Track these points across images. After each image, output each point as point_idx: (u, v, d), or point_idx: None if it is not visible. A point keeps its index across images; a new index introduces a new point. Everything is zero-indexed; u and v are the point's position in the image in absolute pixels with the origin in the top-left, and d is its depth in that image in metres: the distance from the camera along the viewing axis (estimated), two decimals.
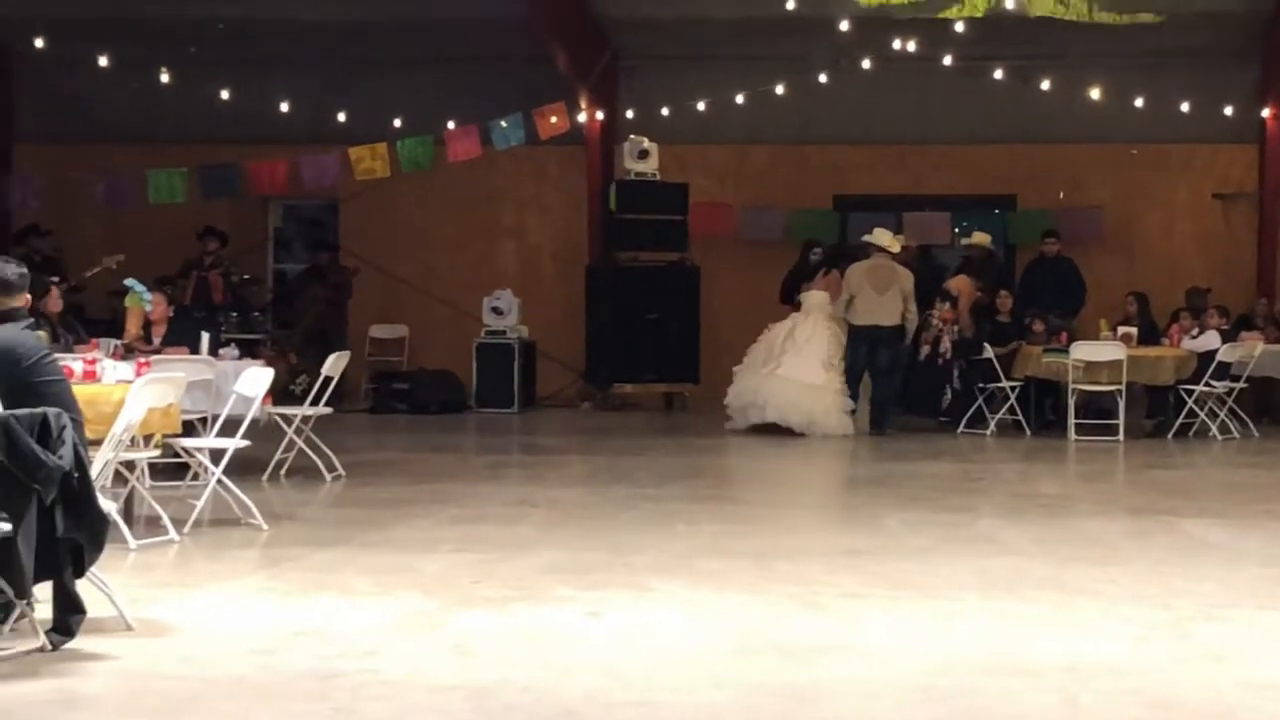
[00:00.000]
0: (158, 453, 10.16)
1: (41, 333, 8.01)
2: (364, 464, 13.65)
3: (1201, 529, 10.54)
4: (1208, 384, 16.68)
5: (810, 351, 16.74)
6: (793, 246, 19.33)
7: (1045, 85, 19.93)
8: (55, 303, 13.88)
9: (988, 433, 16.87)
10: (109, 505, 7.38)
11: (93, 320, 17.05)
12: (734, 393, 17.03)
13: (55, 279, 15.55)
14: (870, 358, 16.94)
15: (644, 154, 19.70)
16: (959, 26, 18.07)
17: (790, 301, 18.00)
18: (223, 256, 19.50)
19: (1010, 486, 13.21)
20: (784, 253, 19.32)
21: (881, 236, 17.31)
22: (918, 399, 17.57)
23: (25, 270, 7.25)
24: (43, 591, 6.71)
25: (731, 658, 6.75)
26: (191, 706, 5.95)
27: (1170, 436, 16.69)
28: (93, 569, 6.85)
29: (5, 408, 6.55)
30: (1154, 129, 20.25)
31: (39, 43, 19.02)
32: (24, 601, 6.56)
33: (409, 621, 7.37)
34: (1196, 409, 16.76)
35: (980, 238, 18.75)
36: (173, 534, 9.52)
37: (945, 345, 17.30)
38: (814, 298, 17.17)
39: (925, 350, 17.35)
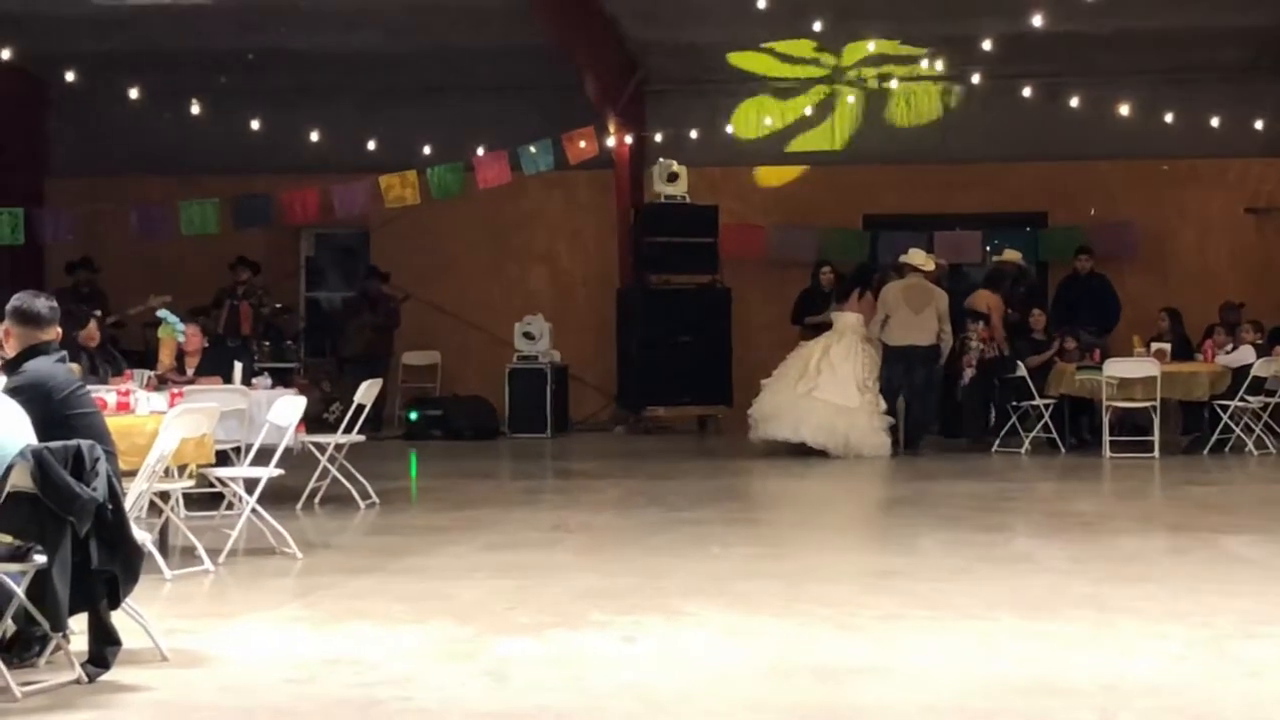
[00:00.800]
0: (192, 483, 10.20)
1: (75, 365, 8.05)
2: (398, 491, 13.66)
3: (1239, 545, 10.47)
4: (1243, 399, 16.60)
5: (846, 373, 16.68)
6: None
7: (1075, 102, 19.88)
8: (92, 335, 13.94)
9: (1022, 451, 16.81)
10: (144, 536, 7.40)
11: (127, 351, 17.13)
12: (759, 403, 16.94)
13: (98, 312, 15.64)
14: (906, 377, 16.91)
15: (673, 177, 19.71)
16: (986, 44, 18.07)
17: (799, 323, 18.09)
18: (255, 286, 19.57)
19: (1046, 505, 13.16)
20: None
21: (916, 256, 17.32)
22: (969, 420, 17.50)
23: (55, 304, 7.28)
24: (78, 623, 6.72)
25: (766, 680, 6.72)
26: None
27: (1206, 452, 16.61)
28: (128, 600, 6.86)
29: (39, 441, 6.57)
30: (1185, 144, 20.17)
31: (70, 76, 19.14)
32: (60, 634, 6.58)
33: (445, 649, 7.37)
34: (1232, 424, 16.68)
35: (1011, 255, 18.72)
36: (208, 564, 9.54)
37: (977, 362, 17.25)
38: (847, 319, 17.10)
39: (970, 373, 17.28)
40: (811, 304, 18.75)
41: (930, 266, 17.22)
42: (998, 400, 17.54)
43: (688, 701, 6.40)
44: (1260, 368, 16.70)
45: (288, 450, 11.06)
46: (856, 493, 14.78)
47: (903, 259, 17.45)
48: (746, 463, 16.41)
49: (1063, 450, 16.93)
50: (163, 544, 9.69)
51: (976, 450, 17.03)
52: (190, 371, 12.96)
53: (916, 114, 20.54)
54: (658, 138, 20.83)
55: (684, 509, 12.54)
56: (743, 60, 20.12)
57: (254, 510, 10.24)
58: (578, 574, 9.44)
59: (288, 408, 11.05)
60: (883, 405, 16.71)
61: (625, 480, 15.13)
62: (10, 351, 7.16)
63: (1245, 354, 16.92)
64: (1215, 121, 19.93)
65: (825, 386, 16.58)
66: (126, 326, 18.61)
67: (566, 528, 11.63)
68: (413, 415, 19.37)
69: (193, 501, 11.61)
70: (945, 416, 17.87)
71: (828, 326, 17.45)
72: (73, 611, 6.57)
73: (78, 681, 6.53)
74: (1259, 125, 19.96)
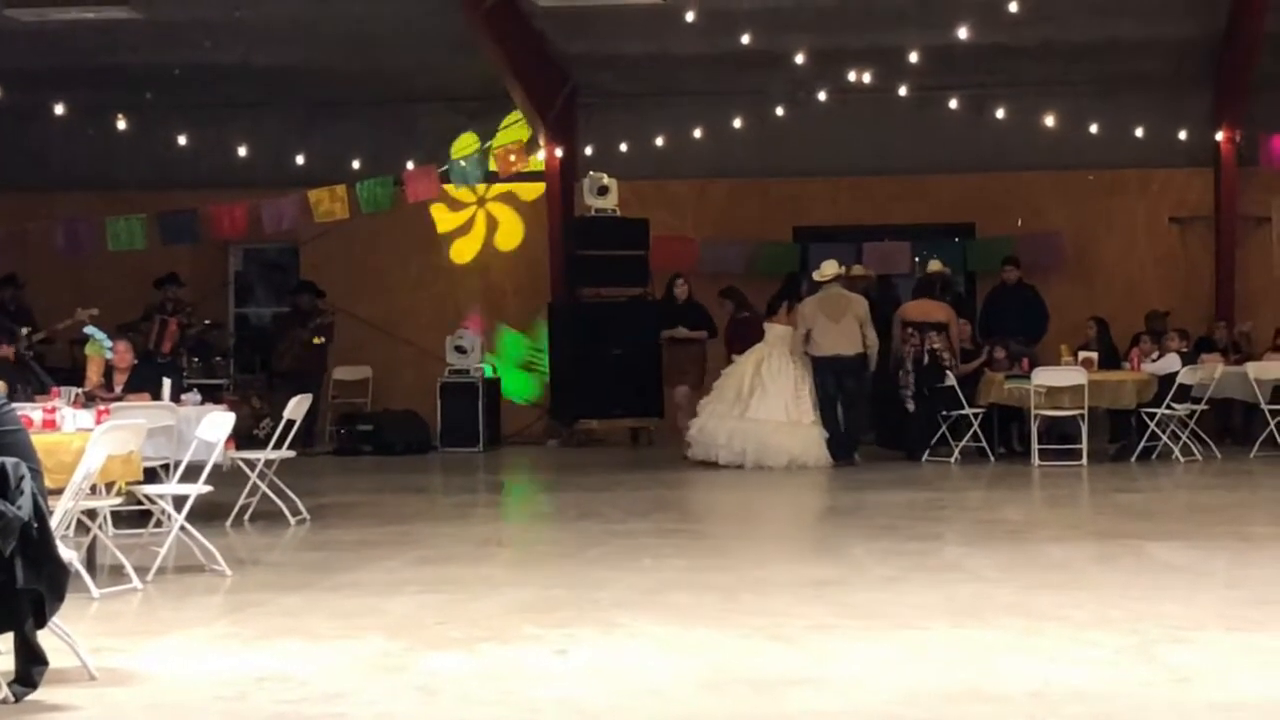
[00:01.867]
0: (119, 500, 10.11)
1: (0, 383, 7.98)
2: (329, 506, 13.60)
3: (1166, 552, 10.56)
4: (1169, 407, 16.75)
5: (778, 389, 16.74)
6: (754, 280, 19.42)
7: (1000, 113, 20.06)
8: (4, 350, 13.83)
9: (952, 460, 16.90)
10: (70, 554, 7.33)
11: (54, 369, 16.98)
12: (699, 427, 17.00)
13: (25, 329, 15.50)
14: (838, 387, 16.96)
15: (604, 190, 19.71)
16: (913, 57, 18.20)
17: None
18: (183, 302, 19.43)
19: (975, 513, 13.23)
20: (745, 285, 19.38)
21: (826, 268, 17.34)
22: (919, 435, 17.42)
23: None
24: (4, 643, 6.66)
25: (700, 692, 6.73)
26: None
27: (1133, 460, 16.75)
28: (55, 619, 6.79)
29: None
30: (1110, 154, 20.36)
31: None
32: None
33: (375, 664, 7.33)
34: (1159, 432, 16.83)
35: (935, 265, 18.83)
36: (136, 582, 9.46)
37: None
38: (776, 331, 17.16)
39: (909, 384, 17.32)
40: (667, 317, 19.01)
41: (830, 273, 17.22)
42: (926, 409, 17.57)
43: (621, 714, 6.39)
44: (1186, 375, 16.86)
45: (217, 467, 10.99)
46: (790, 503, 14.82)
47: (814, 274, 17.52)
48: (680, 474, 16.43)
49: (992, 459, 17.04)
50: (90, 562, 9.60)
51: (908, 460, 17.09)
52: (119, 388, 12.86)
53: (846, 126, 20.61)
54: (588, 150, 20.85)
55: (617, 521, 12.54)
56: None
57: (183, 527, 10.16)
58: (510, 588, 9.42)
59: (217, 424, 10.98)
60: (815, 416, 16.76)
61: (558, 494, 15.12)
62: None
63: (1171, 362, 17.08)
64: (1139, 132, 20.13)
65: (759, 406, 16.64)
66: (54, 342, 18.45)
67: (498, 541, 11.61)
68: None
69: (121, 519, 11.53)
70: (888, 428, 17.88)
71: (685, 340, 17.71)
72: None
73: (4, 701, 6.46)
74: (1182, 135, 20.18)
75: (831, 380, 16.87)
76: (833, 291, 17.13)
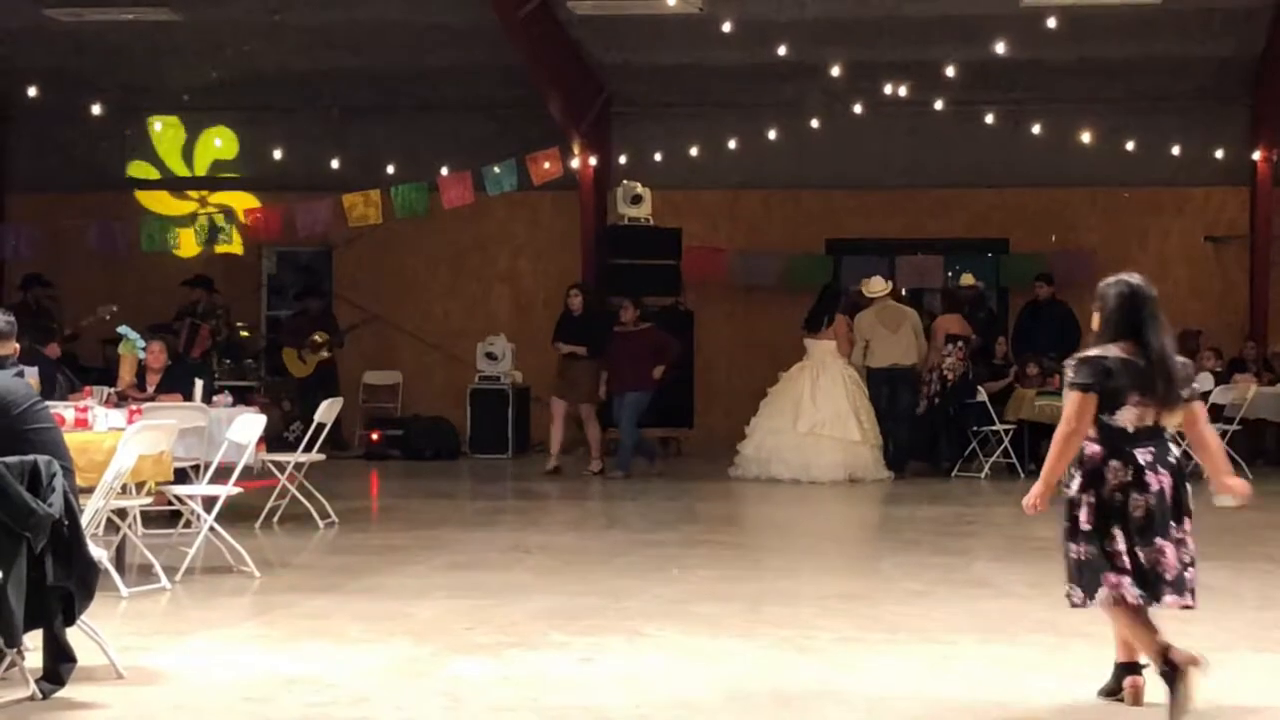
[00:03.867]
0: (150, 500, 10.15)
1: (32, 379, 8.01)
2: (358, 510, 13.62)
3: (1198, 572, 10.48)
4: None
5: (841, 406, 16.70)
6: (786, 291, 19.37)
7: (1037, 129, 20.00)
8: (53, 350, 13.90)
9: (982, 476, 16.85)
10: (100, 553, 7.36)
11: (86, 368, 17.05)
12: (756, 445, 16.83)
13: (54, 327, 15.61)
14: (891, 399, 17.08)
15: (637, 199, 19.71)
16: (950, 71, 18.16)
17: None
18: (214, 305, 19.41)
19: (1004, 529, 13.17)
20: (777, 297, 19.37)
21: (874, 284, 17.52)
22: (929, 445, 17.48)
23: (13, 319, 7.24)
24: (33, 640, 6.68)
25: (725, 703, 6.72)
26: None
27: None
28: (83, 617, 6.82)
29: None
30: (1146, 172, 20.28)
31: (32, 91, 19.07)
32: (14, 650, 6.53)
33: (401, 668, 7.34)
34: (1190, 451, 16.70)
35: (967, 279, 18.83)
36: (164, 582, 9.49)
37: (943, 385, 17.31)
38: (823, 346, 17.07)
39: (926, 398, 17.34)
40: (564, 329, 17.82)
41: (879, 290, 17.41)
42: (956, 424, 17.53)
43: None
44: (1219, 395, 16.78)
45: (247, 468, 11.02)
46: (818, 516, 14.79)
47: (864, 290, 17.62)
48: (709, 485, 16.40)
49: (1022, 475, 16.96)
50: (119, 561, 9.63)
51: (936, 475, 17.05)
52: (151, 388, 12.90)
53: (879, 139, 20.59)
54: (622, 159, 20.87)
55: (645, 531, 12.53)
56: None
57: (212, 528, 10.19)
58: (537, 594, 9.42)
59: (248, 426, 11.01)
60: (877, 432, 16.83)
61: (586, 502, 15.11)
62: None
63: (1204, 381, 16.98)
64: (1176, 150, 20.06)
65: (829, 423, 16.60)
66: (79, 339, 18.52)
67: (526, 548, 11.61)
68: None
69: (150, 519, 11.56)
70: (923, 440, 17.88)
71: (579, 355, 17.37)
72: (27, 628, 6.53)
73: (31, 698, 6.49)
74: (1219, 154, 20.10)
75: (886, 391, 17.01)
76: (889, 304, 17.39)
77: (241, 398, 14.42)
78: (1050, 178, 20.54)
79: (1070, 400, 6.51)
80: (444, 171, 18.86)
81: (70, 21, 18.42)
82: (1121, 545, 6.41)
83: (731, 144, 20.20)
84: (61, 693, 6.57)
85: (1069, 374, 6.57)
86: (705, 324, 20.23)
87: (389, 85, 20.37)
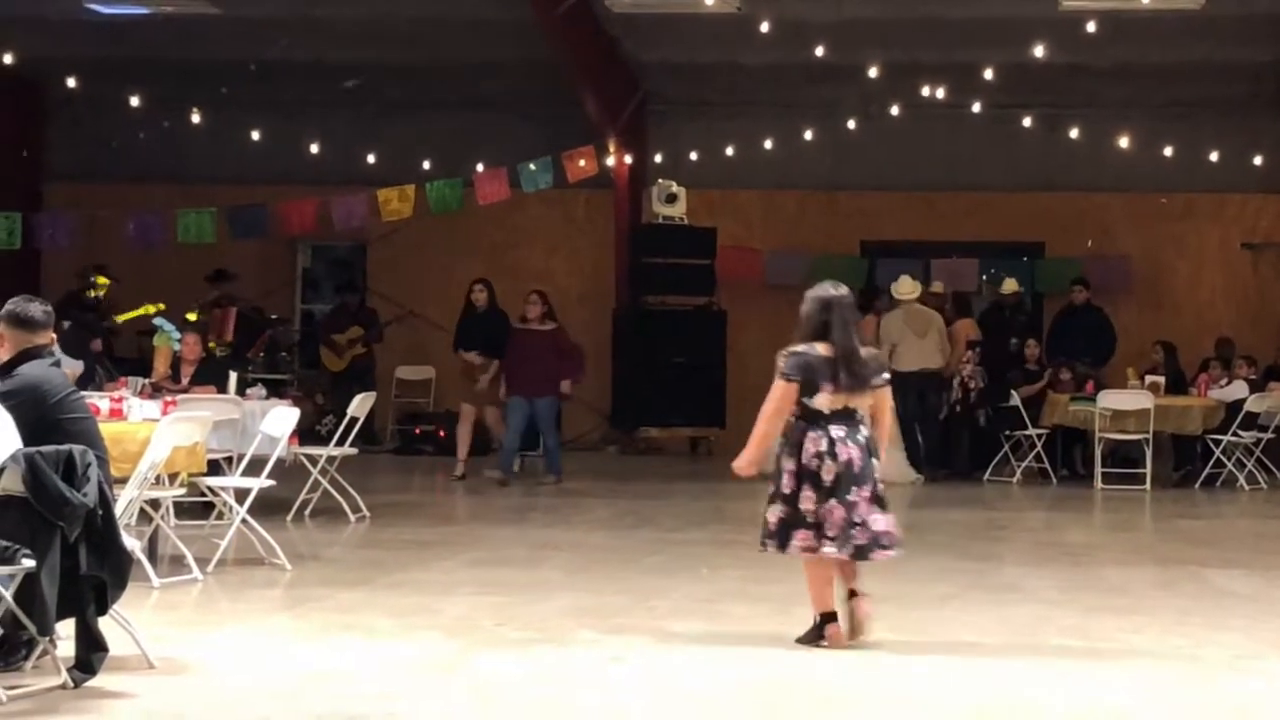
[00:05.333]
0: (183, 491, 10.19)
1: (68, 370, 8.05)
2: (389, 505, 13.65)
3: (1228, 579, 10.47)
4: (1235, 434, 16.60)
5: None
6: None
7: (1074, 133, 19.92)
8: (95, 345, 13.99)
9: (1014, 481, 16.81)
10: (133, 543, 7.39)
11: (121, 359, 17.11)
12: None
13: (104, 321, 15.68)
14: (920, 403, 17.11)
15: (672, 198, 19.71)
16: (988, 74, 18.11)
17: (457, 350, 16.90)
18: (234, 296, 19.31)
19: (1035, 535, 13.16)
20: None
21: (904, 285, 17.64)
22: (957, 450, 17.47)
23: (50, 308, 7.28)
24: (65, 629, 6.72)
25: (753, 704, 6.72)
26: None
27: (1197, 486, 16.61)
28: (115, 607, 6.85)
29: (31, 444, 6.57)
30: (1183, 178, 20.20)
31: (71, 82, 19.15)
32: (46, 638, 6.57)
33: (431, 663, 7.36)
34: (1224, 459, 16.68)
35: (1010, 285, 18.81)
36: (196, 573, 9.53)
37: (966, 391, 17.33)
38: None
39: (963, 395, 17.36)
40: (467, 328, 16.69)
41: (915, 293, 17.50)
42: (987, 430, 17.48)
43: None
44: (1253, 403, 16.70)
45: (279, 461, 11.06)
46: None
47: (894, 291, 17.73)
48: (739, 485, 16.30)
49: (1054, 481, 16.95)
50: (152, 552, 9.67)
51: (968, 479, 17.01)
52: (186, 380, 12.96)
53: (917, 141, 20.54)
54: (657, 158, 20.86)
55: (675, 530, 12.53)
56: None
57: (244, 520, 10.23)
58: (566, 592, 9.43)
59: (281, 419, 11.04)
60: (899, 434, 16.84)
61: (616, 500, 15.11)
62: (4, 355, 7.16)
63: (1239, 389, 16.93)
64: (1214, 156, 19.96)
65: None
66: (119, 334, 18.58)
67: (555, 546, 11.62)
68: None
69: (183, 510, 11.60)
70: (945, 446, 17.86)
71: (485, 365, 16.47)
72: (60, 616, 6.57)
73: (63, 687, 6.52)
74: (1257, 160, 19.99)
75: (914, 396, 17.00)
76: (915, 308, 17.46)
77: (275, 391, 14.46)
78: (1087, 182, 20.47)
79: (776, 387, 7.87)
80: (479, 168, 18.87)
81: (109, 14, 18.50)
82: (811, 505, 7.72)
83: (768, 144, 20.17)
84: (93, 682, 6.60)
85: (778, 365, 7.89)
86: (738, 324, 20.20)
87: (425, 81, 20.39)
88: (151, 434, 8.77)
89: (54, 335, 7.27)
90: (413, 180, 18.72)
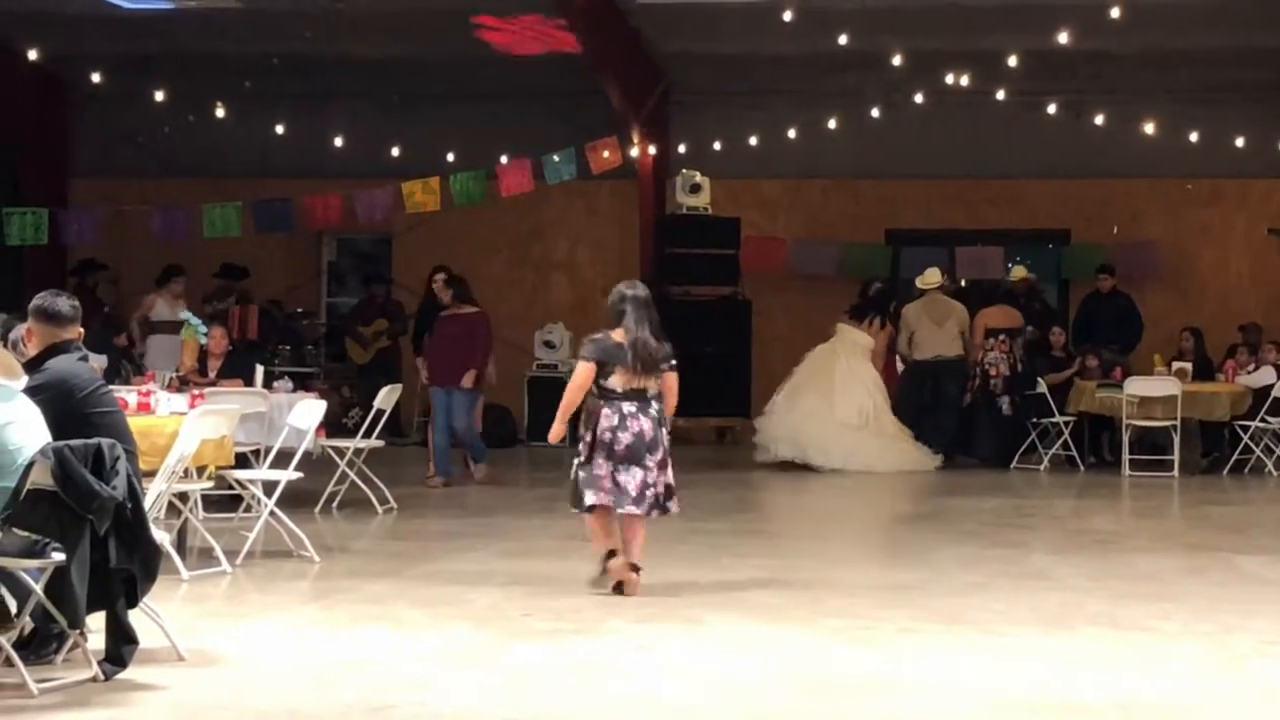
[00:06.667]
0: (211, 484, 10.22)
1: (95, 364, 8.08)
2: (416, 496, 13.68)
3: (1257, 565, 10.44)
4: (1263, 420, 16.55)
5: (854, 393, 16.75)
6: (844, 281, 19.33)
7: (1099, 119, 19.86)
8: (120, 339, 14.04)
9: (1041, 468, 16.78)
10: (162, 536, 7.42)
11: (144, 354, 17.13)
12: (793, 427, 16.76)
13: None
14: (936, 391, 17.16)
15: (696, 188, 19.71)
16: (1012, 61, 18.06)
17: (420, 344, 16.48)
18: (247, 293, 19.29)
19: (1063, 522, 13.13)
20: (835, 287, 19.31)
21: (930, 276, 17.81)
22: (988, 438, 17.47)
23: (77, 303, 7.31)
24: (95, 621, 6.74)
25: (781, 692, 6.72)
26: None
27: (1225, 472, 16.56)
28: (145, 599, 6.88)
29: (60, 438, 6.59)
30: (1209, 164, 20.13)
31: (95, 77, 19.21)
32: (77, 631, 6.59)
33: (460, 654, 7.37)
34: (1252, 445, 16.62)
35: (1021, 273, 18.76)
36: (225, 565, 9.56)
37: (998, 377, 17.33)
38: (856, 335, 17.12)
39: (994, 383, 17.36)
40: (430, 318, 15.90)
41: (935, 282, 17.69)
42: (1008, 420, 17.42)
43: (704, 712, 6.39)
44: None
45: (307, 454, 11.08)
46: (872, 506, 14.77)
47: (919, 282, 17.98)
48: (765, 474, 16.39)
49: (1081, 468, 16.91)
50: (181, 545, 9.70)
51: (993, 466, 16.98)
52: (213, 374, 13.00)
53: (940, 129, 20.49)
54: (681, 148, 20.84)
55: (701, 519, 12.52)
56: None
57: (272, 513, 10.26)
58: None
59: (308, 411, 11.07)
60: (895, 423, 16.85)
61: None
62: (32, 350, 7.20)
63: (1266, 374, 16.86)
64: (1239, 141, 19.87)
65: (843, 408, 16.66)
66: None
67: (583, 536, 11.62)
68: None
69: (211, 503, 11.65)
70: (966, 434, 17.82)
71: None
72: (90, 609, 6.59)
73: (94, 679, 6.55)
74: None
75: (930, 384, 17.12)
76: (938, 297, 17.60)
77: (301, 384, 14.49)
78: (1112, 169, 20.41)
79: (578, 368, 9.08)
80: (503, 159, 18.88)
81: (133, 9, 18.54)
82: (604, 471, 8.86)
83: (791, 133, 20.14)
84: (123, 674, 6.62)
85: (580, 350, 9.23)
86: (763, 313, 20.20)
87: (449, 73, 20.40)
88: (179, 427, 8.80)
89: (81, 330, 7.30)
90: (436, 173, 18.73)
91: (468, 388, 14.83)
